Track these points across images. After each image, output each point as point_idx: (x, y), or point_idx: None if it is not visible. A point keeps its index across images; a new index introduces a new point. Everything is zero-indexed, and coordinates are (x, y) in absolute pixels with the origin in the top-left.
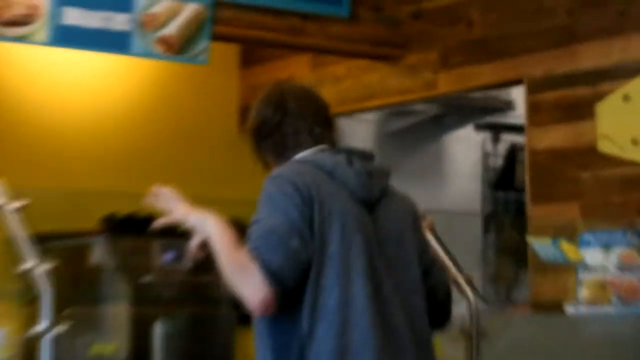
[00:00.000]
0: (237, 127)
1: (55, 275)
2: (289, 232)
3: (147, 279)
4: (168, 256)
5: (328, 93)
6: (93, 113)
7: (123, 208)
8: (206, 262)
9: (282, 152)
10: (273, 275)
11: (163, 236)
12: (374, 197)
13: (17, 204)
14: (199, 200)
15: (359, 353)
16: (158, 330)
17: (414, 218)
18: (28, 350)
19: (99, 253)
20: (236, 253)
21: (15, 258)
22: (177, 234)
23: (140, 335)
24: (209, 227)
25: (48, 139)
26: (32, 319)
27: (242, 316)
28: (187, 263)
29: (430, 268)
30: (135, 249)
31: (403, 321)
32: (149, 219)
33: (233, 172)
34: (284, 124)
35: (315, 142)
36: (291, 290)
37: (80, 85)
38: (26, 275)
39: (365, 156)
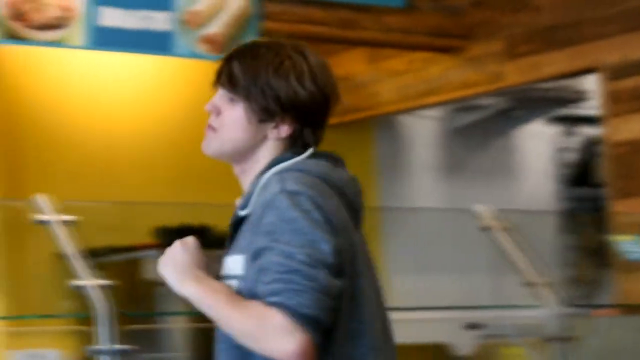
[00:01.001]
0: None
1: (111, 291)
2: (315, 267)
3: None
4: None
5: (387, 89)
6: (141, 122)
7: (175, 219)
8: None
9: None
10: (306, 319)
11: (220, 246)
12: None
13: (66, 219)
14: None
15: None
16: None
17: None
18: None
19: (154, 267)
20: (244, 309)
21: (68, 274)
22: None
23: (203, 350)
24: (192, 296)
25: (96, 150)
26: (87, 338)
27: None
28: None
29: None
30: None
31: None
32: (204, 229)
33: None
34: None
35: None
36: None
37: (128, 93)
38: (80, 292)
39: (344, 163)
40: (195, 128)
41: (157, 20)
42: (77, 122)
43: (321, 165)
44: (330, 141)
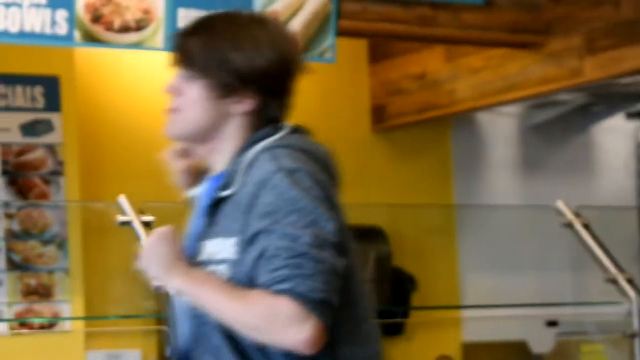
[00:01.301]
0: (370, 127)
1: None
2: (322, 247)
3: None
4: None
5: (465, 86)
6: None
7: None
8: None
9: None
10: (318, 304)
11: None
12: None
13: (146, 220)
14: None
15: None
16: None
17: None
18: None
19: None
20: (246, 300)
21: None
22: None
23: None
24: (181, 290)
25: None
26: (167, 338)
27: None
28: None
29: None
30: None
31: None
32: None
33: (367, 174)
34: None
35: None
36: None
37: None
38: (161, 292)
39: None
40: None
41: None
42: (155, 124)
43: (305, 140)
44: (407, 139)
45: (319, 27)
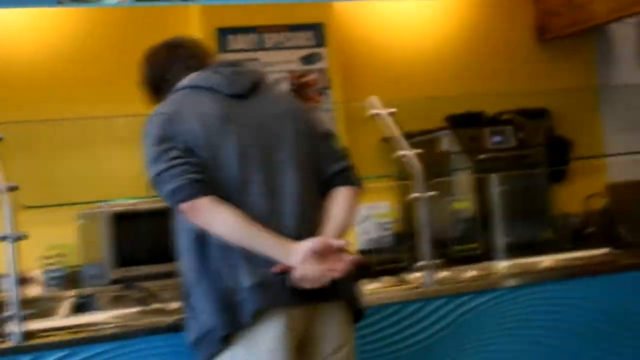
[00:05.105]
0: (533, 41)
1: (419, 159)
2: None
3: (483, 156)
4: (496, 139)
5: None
6: (424, 49)
7: (460, 109)
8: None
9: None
10: None
11: (492, 125)
12: (245, 90)
13: (389, 111)
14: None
15: None
16: (495, 190)
17: (293, 107)
18: (406, 213)
19: (446, 142)
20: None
21: (393, 149)
22: (503, 122)
23: (482, 194)
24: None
25: (406, 62)
26: (406, 191)
27: (556, 173)
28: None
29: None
30: (472, 136)
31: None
32: (480, 114)
33: (530, 73)
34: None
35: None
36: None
37: (410, 28)
38: (401, 161)
39: (233, 64)
40: (462, 45)
41: None
42: (395, 43)
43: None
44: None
45: None
